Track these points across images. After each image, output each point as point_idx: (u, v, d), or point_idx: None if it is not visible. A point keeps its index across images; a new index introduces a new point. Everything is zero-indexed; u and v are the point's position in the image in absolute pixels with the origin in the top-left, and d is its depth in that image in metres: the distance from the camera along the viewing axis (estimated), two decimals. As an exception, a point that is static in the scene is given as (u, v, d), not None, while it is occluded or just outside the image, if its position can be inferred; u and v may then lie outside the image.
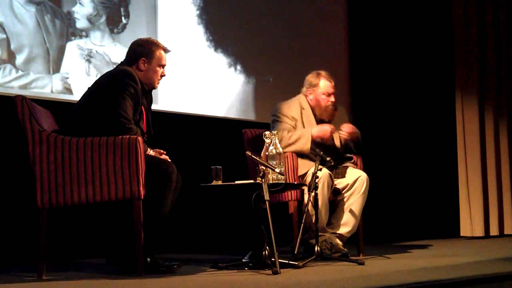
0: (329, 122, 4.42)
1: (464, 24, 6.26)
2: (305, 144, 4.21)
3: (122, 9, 4.99)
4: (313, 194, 3.80)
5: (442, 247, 5.06)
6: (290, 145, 4.21)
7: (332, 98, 4.41)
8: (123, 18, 4.98)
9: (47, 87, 4.53)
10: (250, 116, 5.76)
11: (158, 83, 3.76)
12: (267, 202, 3.39)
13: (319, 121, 4.43)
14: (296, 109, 4.40)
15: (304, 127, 4.36)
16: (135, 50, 3.72)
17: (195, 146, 5.25)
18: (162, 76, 3.75)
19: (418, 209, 6.53)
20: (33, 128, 3.36)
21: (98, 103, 3.51)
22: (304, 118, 4.39)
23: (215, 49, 5.57)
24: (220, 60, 5.60)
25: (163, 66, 3.74)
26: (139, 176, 3.33)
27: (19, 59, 4.39)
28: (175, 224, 4.27)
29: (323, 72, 4.46)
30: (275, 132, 3.77)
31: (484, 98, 6.23)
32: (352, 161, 4.45)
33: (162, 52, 3.74)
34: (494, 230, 6.10)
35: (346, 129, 4.32)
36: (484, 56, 6.25)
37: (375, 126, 6.47)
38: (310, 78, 4.46)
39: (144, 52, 3.69)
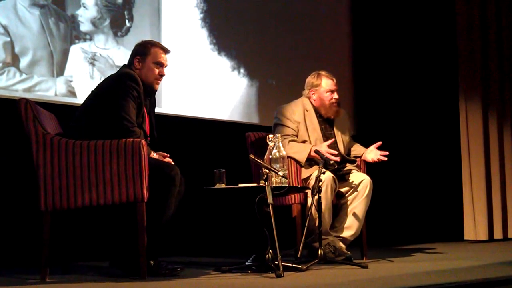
0: (333, 120, 4.46)
1: (468, 28, 6.26)
2: (301, 158, 4.21)
3: (126, 13, 4.99)
4: (316, 197, 3.80)
5: (445, 251, 5.05)
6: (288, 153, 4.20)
7: (335, 95, 4.44)
8: (127, 21, 4.99)
9: (51, 90, 4.54)
10: (253, 120, 5.77)
11: (157, 84, 3.72)
12: (270, 205, 3.39)
13: (323, 121, 4.44)
14: (299, 111, 4.41)
15: (307, 129, 4.37)
16: (133, 50, 3.72)
17: (199, 149, 5.25)
18: (160, 75, 3.70)
19: (421, 213, 6.52)
20: (37, 131, 3.36)
21: (102, 106, 3.51)
22: (307, 120, 4.40)
23: (219, 53, 5.58)
24: (224, 63, 5.61)
25: (160, 64, 3.70)
26: (142, 179, 3.33)
27: (23, 62, 4.40)
28: (179, 227, 4.27)
29: (323, 72, 4.50)
30: (278, 135, 3.77)
31: (487, 101, 6.23)
32: (355, 164, 4.45)
33: (159, 50, 3.70)
34: (498, 234, 6.09)
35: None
36: (487, 59, 6.24)
37: (379, 129, 6.46)
38: (311, 79, 4.49)
39: (139, 50, 3.69)
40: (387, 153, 4.40)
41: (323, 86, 4.43)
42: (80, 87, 4.65)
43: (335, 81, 4.47)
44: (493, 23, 6.25)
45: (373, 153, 4.43)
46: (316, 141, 4.35)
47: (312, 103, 4.45)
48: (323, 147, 4.19)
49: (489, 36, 6.26)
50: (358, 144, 4.61)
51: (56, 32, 4.58)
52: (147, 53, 3.68)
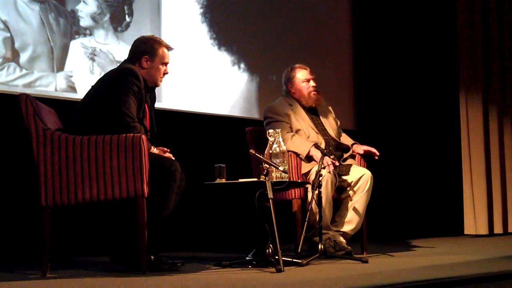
0: (316, 108, 4.50)
1: (468, 24, 6.26)
2: (302, 152, 4.22)
3: (125, 8, 4.99)
4: (316, 192, 3.80)
5: (446, 245, 5.06)
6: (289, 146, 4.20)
7: (312, 83, 4.50)
8: (127, 16, 4.99)
9: (51, 85, 4.54)
10: (254, 115, 5.76)
11: (161, 81, 3.76)
12: (270, 200, 3.39)
13: (308, 111, 4.48)
14: (285, 106, 4.47)
15: (297, 121, 4.39)
16: (138, 47, 3.72)
17: (199, 144, 5.25)
18: (165, 74, 3.75)
19: (422, 207, 6.52)
20: (37, 127, 3.36)
21: (102, 101, 3.51)
22: (295, 113, 4.43)
23: (219, 48, 5.57)
24: (224, 58, 5.61)
25: (166, 64, 3.74)
26: (143, 174, 3.33)
27: (23, 57, 4.40)
28: (179, 222, 4.28)
29: (296, 64, 4.58)
30: (278, 130, 3.77)
31: (488, 96, 6.23)
32: (349, 152, 4.44)
33: (165, 49, 3.74)
34: (498, 228, 6.10)
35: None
36: (488, 55, 6.24)
37: (379, 124, 6.47)
38: (286, 74, 4.59)
39: (147, 50, 3.69)
40: (378, 153, 4.44)
41: (298, 77, 4.50)
42: (80, 82, 4.65)
43: (309, 70, 4.54)
44: (494, 19, 6.24)
45: (360, 147, 4.47)
46: (308, 129, 4.38)
47: (293, 97, 4.49)
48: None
49: (490, 32, 6.25)
50: (346, 135, 4.62)
51: (56, 27, 4.58)
52: (155, 53, 3.69)
